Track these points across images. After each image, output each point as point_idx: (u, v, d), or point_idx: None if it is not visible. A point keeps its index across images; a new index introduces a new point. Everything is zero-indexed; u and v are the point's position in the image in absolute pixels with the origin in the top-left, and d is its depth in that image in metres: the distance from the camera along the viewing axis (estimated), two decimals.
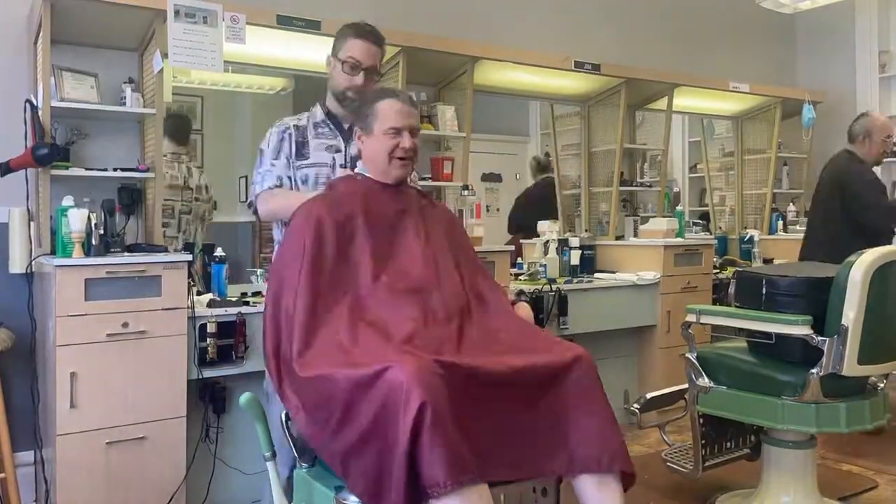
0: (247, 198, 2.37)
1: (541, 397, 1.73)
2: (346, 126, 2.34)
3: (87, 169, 2.83)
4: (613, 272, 4.10)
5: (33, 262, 2.76)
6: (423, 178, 3.66)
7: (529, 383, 1.72)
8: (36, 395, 2.75)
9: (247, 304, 2.82)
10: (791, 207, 5.35)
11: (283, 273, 1.90)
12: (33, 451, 2.78)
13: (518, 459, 1.68)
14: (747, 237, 4.94)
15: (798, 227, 5.15)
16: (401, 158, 2.00)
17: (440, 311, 1.86)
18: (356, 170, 2.13)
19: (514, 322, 1.95)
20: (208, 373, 2.70)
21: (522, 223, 4.60)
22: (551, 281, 3.75)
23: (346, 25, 2.37)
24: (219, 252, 2.96)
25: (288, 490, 1.96)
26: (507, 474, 1.66)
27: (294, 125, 2.33)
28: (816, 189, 4.03)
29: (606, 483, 1.72)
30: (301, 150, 2.29)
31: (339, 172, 2.28)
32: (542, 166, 4.96)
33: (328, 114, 2.36)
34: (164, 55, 2.74)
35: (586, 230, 4.44)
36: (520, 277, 3.84)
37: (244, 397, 1.92)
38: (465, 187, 3.61)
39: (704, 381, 2.57)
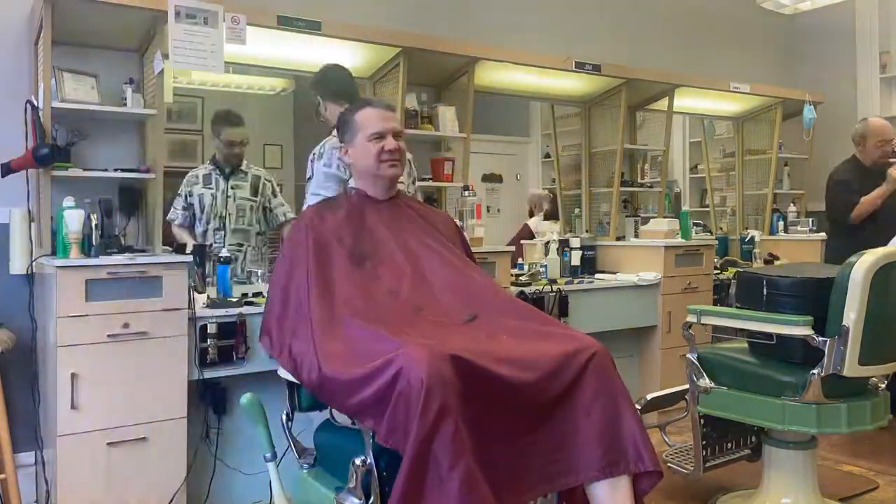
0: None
1: (553, 406, 1.70)
2: None
3: (87, 170, 2.83)
4: (614, 273, 4.09)
5: (34, 263, 2.75)
6: (424, 179, 3.66)
7: (540, 397, 1.69)
8: (37, 395, 2.75)
9: (250, 304, 2.81)
10: (792, 208, 5.34)
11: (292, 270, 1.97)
12: (34, 452, 2.78)
13: (531, 478, 1.63)
14: (748, 238, 4.93)
15: (799, 228, 5.16)
16: (389, 160, 2.03)
17: (447, 311, 1.87)
18: (349, 185, 2.14)
19: (519, 318, 1.94)
20: (209, 374, 2.70)
21: None
22: (552, 281, 3.75)
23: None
24: (224, 253, 2.96)
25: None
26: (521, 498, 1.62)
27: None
28: None
29: (618, 487, 1.71)
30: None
31: None
32: None
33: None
34: (165, 56, 2.74)
35: (587, 231, 4.44)
36: (520, 278, 3.83)
37: (245, 398, 1.93)
38: (466, 188, 3.61)
39: (705, 381, 2.57)
